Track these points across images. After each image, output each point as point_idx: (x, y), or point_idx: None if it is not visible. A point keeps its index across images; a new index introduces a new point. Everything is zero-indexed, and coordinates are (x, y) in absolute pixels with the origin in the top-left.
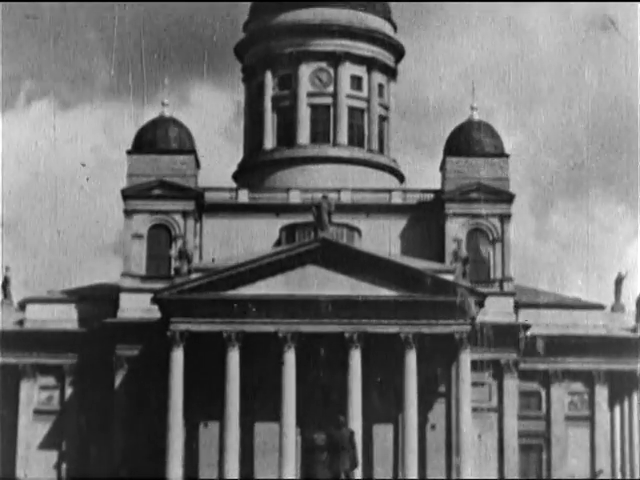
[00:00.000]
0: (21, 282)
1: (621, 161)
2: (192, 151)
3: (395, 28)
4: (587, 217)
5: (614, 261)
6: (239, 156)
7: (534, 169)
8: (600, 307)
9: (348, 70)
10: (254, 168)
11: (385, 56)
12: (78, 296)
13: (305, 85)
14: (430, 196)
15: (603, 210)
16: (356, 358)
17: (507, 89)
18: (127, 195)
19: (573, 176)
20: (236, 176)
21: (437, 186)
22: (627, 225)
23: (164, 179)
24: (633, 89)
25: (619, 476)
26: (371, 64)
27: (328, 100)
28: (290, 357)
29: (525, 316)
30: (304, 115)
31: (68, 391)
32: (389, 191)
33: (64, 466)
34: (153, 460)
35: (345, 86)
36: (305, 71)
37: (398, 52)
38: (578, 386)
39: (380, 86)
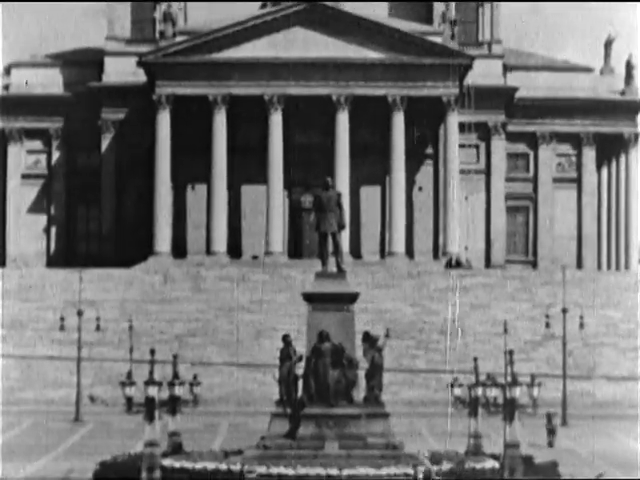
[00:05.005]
0: (6, 47)
1: None
2: None
3: None
4: None
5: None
6: None
7: None
8: (589, 70)
9: None
10: None
11: None
12: (63, 60)
13: None
14: None
15: None
16: (343, 120)
17: None
18: None
19: None
20: None
21: None
22: None
23: None
24: None
25: (605, 238)
26: None
27: None
28: (276, 119)
29: (513, 78)
30: None
31: (55, 155)
32: None
33: (53, 229)
34: (142, 224)
35: None
36: None
37: None
38: (566, 148)
39: None
